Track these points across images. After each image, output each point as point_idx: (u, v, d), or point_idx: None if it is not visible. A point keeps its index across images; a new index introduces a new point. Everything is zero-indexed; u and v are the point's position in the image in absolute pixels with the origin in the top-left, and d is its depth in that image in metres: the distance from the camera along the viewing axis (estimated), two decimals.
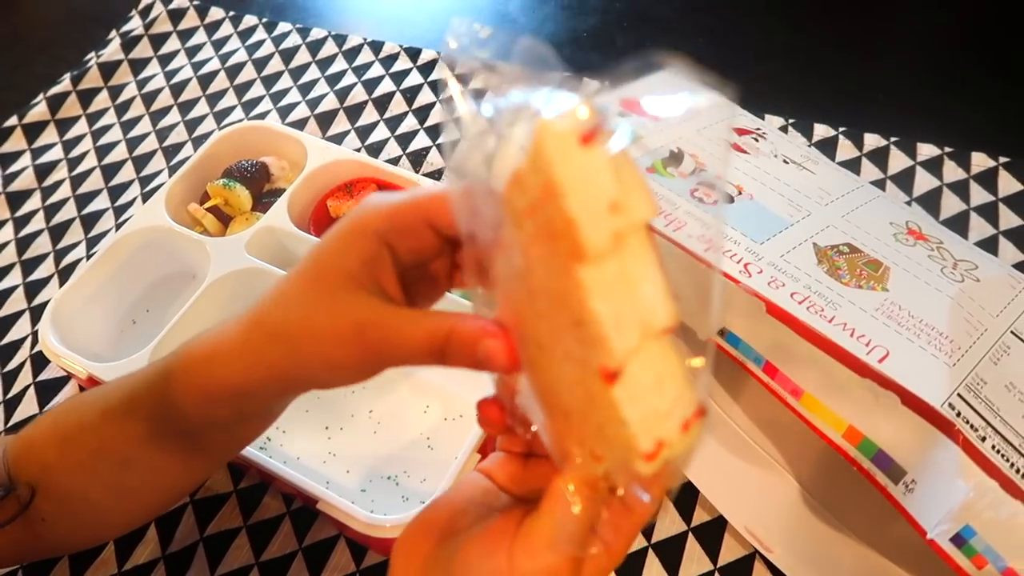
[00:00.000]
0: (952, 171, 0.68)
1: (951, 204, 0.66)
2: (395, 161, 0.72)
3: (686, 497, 0.51)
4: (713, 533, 0.50)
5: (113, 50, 0.85)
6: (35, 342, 0.62)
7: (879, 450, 0.40)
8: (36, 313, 0.65)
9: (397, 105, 0.77)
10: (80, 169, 0.75)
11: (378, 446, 0.55)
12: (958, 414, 0.39)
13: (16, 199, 0.73)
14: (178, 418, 0.34)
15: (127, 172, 0.75)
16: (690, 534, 0.50)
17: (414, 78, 0.79)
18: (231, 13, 0.88)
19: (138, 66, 0.84)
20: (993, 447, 0.38)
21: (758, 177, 0.53)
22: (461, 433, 0.54)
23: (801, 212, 0.50)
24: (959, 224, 0.64)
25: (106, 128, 0.78)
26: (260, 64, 0.82)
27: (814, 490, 0.50)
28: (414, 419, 0.56)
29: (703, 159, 0.54)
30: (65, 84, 0.81)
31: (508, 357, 0.27)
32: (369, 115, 0.76)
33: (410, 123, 0.75)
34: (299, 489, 0.48)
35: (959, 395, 0.40)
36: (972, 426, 0.39)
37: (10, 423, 0.59)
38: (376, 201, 0.30)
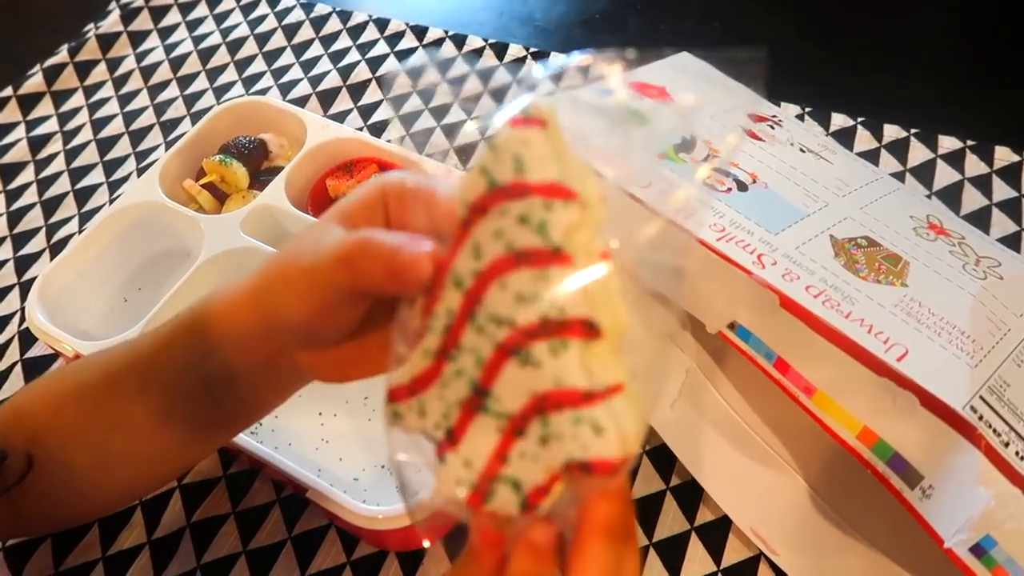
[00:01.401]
0: (974, 165, 0.65)
1: (973, 199, 0.64)
2: (398, 141, 0.70)
3: (690, 495, 0.50)
4: (717, 533, 0.48)
5: (112, 22, 0.83)
6: (24, 318, 0.61)
7: (895, 453, 0.38)
8: (25, 288, 0.63)
9: (401, 85, 0.75)
10: (75, 142, 0.73)
11: (373, 434, 0.53)
12: (980, 417, 0.37)
13: (8, 172, 0.72)
14: (195, 373, 0.33)
15: (123, 146, 0.73)
16: (693, 533, 0.48)
17: (420, 56, 0.77)
18: None
19: (137, 39, 0.82)
20: (1017, 453, 0.36)
21: (773, 165, 0.51)
22: None
23: (818, 202, 0.48)
24: (981, 219, 0.62)
25: (103, 101, 0.77)
26: (262, 39, 0.80)
27: (824, 492, 0.48)
28: None
29: (716, 145, 0.52)
30: (62, 55, 0.79)
31: (429, 269, 0.25)
32: (372, 94, 0.74)
33: (415, 103, 0.73)
34: (289, 477, 0.46)
35: (981, 397, 0.38)
36: (995, 430, 0.37)
37: None
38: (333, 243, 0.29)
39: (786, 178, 0.50)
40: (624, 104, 0.26)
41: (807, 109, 0.70)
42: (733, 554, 0.48)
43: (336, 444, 0.53)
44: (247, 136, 0.64)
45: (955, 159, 0.66)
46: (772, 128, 0.55)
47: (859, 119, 0.69)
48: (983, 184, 0.64)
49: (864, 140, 0.68)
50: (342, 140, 0.62)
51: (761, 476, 0.49)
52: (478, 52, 0.76)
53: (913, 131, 0.68)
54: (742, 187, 0.48)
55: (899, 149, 0.67)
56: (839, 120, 0.69)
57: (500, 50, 0.76)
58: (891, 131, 0.68)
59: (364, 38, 0.79)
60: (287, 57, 0.79)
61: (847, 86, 0.73)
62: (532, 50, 0.76)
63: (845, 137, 0.68)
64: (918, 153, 0.67)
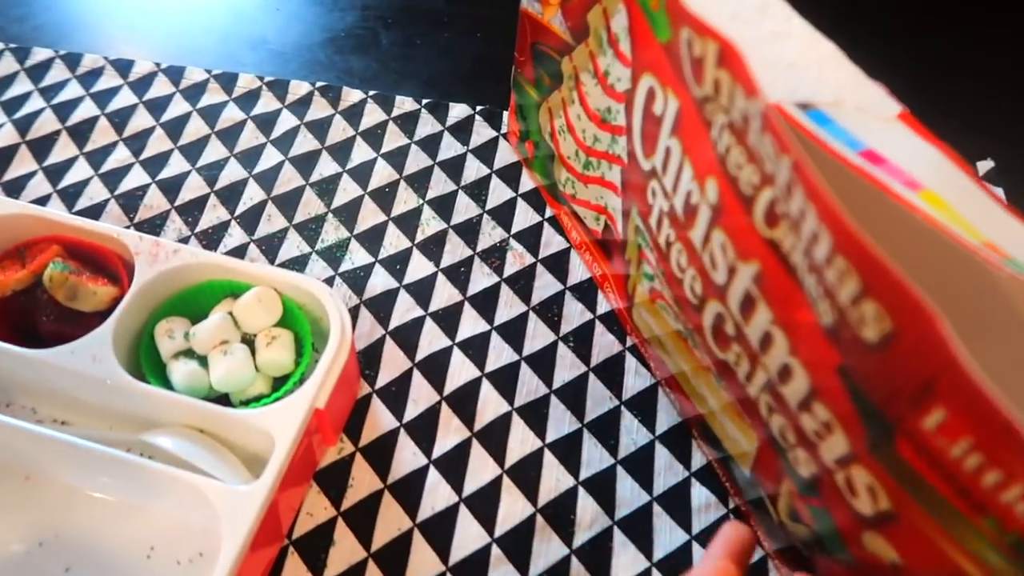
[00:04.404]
0: None
1: None
2: (101, 207, 0.55)
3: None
4: None
5: None
6: None
7: None
8: None
9: (102, 134, 0.60)
10: None
11: None
12: None
13: None
14: None
15: None
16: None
17: (126, 97, 0.62)
18: None
19: None
20: None
21: None
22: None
23: None
24: None
25: None
26: None
27: None
28: (134, 570, 0.40)
29: None
30: None
31: None
32: (64, 149, 0.58)
33: (121, 156, 0.58)
34: None
35: None
36: None
37: None
38: None
39: None
40: None
41: None
42: None
43: None
44: None
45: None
46: None
47: None
48: None
49: None
50: (7, 218, 0.47)
51: None
52: (200, 87, 0.63)
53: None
54: None
55: None
56: None
57: (228, 82, 0.63)
58: None
59: (49, 80, 0.63)
60: None
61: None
62: (267, 79, 0.63)
63: None
64: None
